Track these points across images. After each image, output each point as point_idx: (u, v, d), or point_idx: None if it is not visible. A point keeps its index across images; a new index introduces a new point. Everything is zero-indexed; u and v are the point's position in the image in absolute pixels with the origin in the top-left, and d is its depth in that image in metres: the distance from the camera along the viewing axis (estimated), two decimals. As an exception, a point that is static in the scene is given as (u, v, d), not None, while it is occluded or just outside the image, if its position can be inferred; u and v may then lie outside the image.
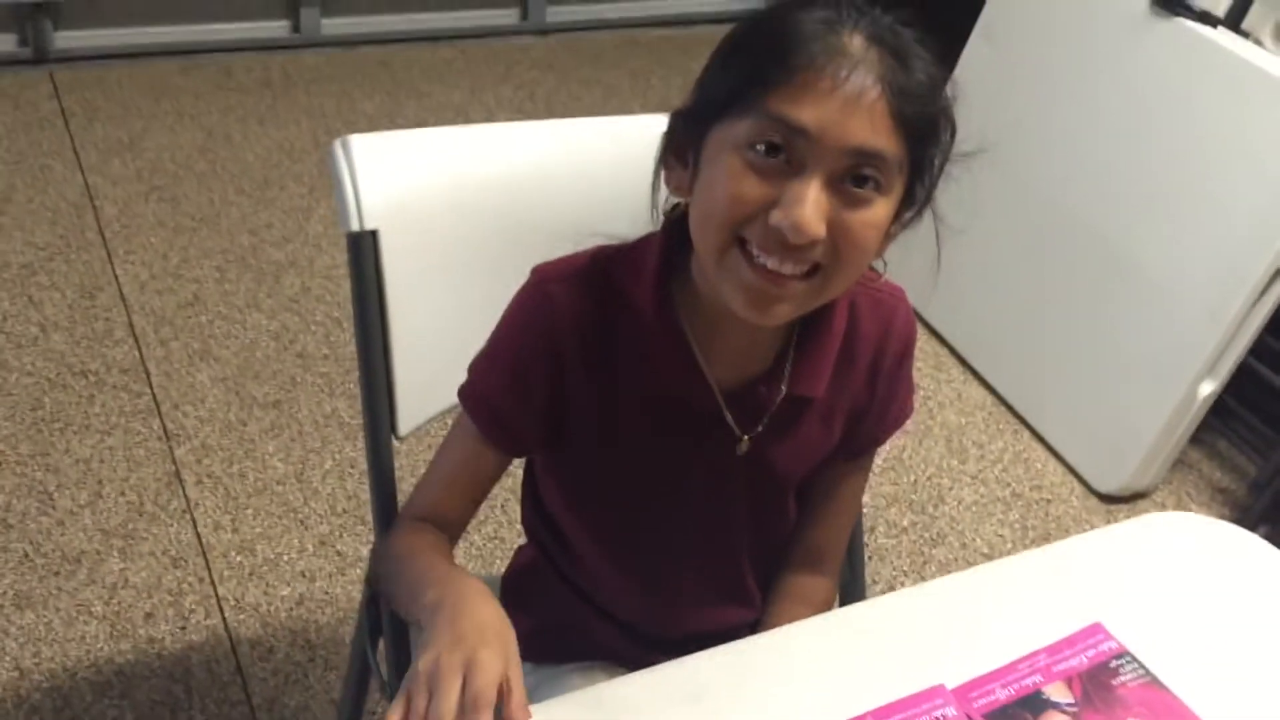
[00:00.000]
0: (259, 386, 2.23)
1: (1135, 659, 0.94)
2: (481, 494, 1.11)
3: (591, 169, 1.21)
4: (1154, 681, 0.92)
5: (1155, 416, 2.21)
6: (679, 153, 0.94)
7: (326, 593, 1.88)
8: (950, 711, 0.87)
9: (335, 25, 3.37)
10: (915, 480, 2.30)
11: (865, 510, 2.19)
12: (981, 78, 2.40)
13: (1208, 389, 2.19)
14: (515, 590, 1.21)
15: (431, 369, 1.14)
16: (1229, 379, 2.20)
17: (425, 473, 1.11)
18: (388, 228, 1.09)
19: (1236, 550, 1.09)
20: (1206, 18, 2.13)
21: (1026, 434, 2.45)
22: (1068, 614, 0.97)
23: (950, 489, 2.29)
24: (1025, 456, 2.40)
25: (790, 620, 1.12)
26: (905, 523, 2.21)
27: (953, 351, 2.62)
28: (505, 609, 0.87)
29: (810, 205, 0.83)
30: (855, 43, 0.84)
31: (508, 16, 3.60)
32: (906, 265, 1.04)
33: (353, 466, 2.10)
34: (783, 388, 1.01)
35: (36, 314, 2.31)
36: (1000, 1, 2.52)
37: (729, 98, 0.87)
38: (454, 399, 1.05)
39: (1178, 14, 2.15)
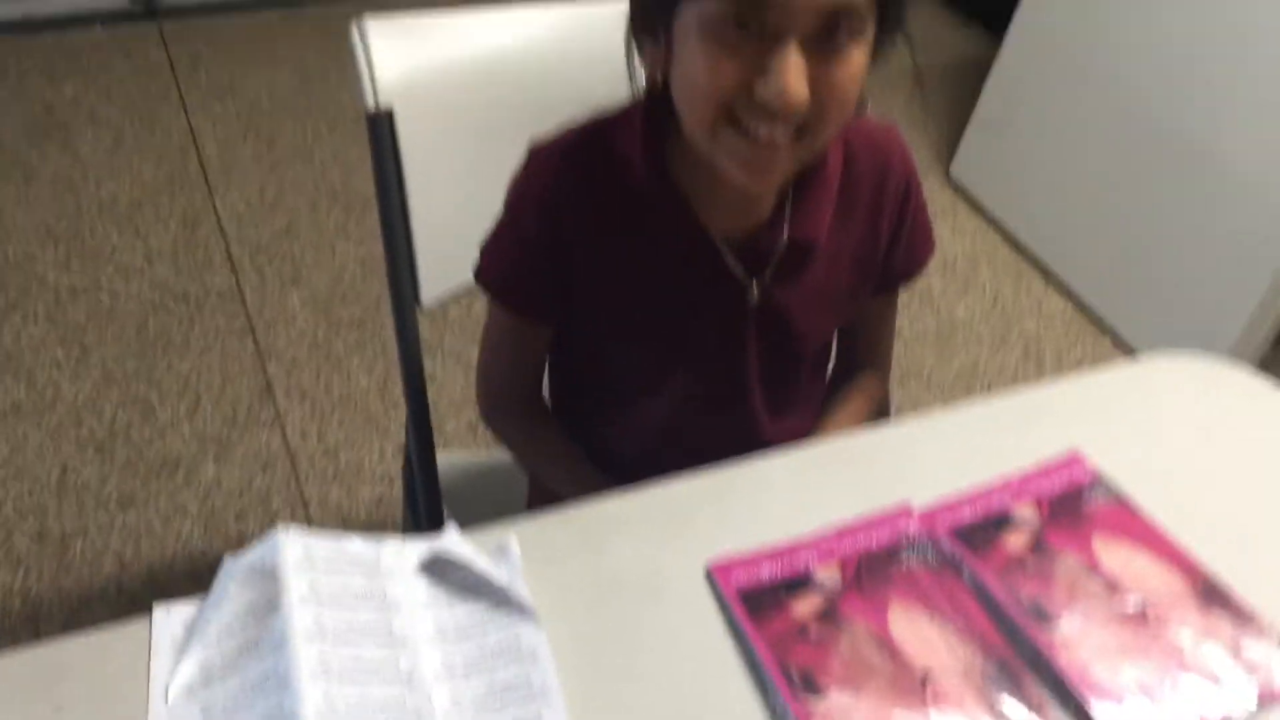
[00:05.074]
0: (345, 308, 2.34)
1: (1110, 486, 0.93)
2: (540, 360, 1.16)
3: (604, 48, 1.23)
4: (1125, 504, 0.92)
5: (1237, 318, 2.16)
6: (648, 30, 0.93)
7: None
8: (914, 528, 0.89)
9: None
10: (990, 385, 2.29)
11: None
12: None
13: (1293, 286, 2.12)
14: None
15: (450, 243, 1.20)
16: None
17: (480, 359, 1.17)
18: (403, 107, 1.15)
19: (1233, 386, 1.06)
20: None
21: (1108, 341, 2.41)
22: (1050, 446, 0.97)
23: (1026, 396, 2.27)
24: (1106, 361, 2.36)
25: (848, 413, 1.18)
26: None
27: (1034, 262, 2.58)
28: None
29: (792, 73, 0.83)
30: None
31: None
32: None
33: (431, 379, 2.18)
34: (784, 234, 1.02)
35: (143, 245, 2.45)
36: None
37: None
38: (471, 272, 1.10)
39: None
